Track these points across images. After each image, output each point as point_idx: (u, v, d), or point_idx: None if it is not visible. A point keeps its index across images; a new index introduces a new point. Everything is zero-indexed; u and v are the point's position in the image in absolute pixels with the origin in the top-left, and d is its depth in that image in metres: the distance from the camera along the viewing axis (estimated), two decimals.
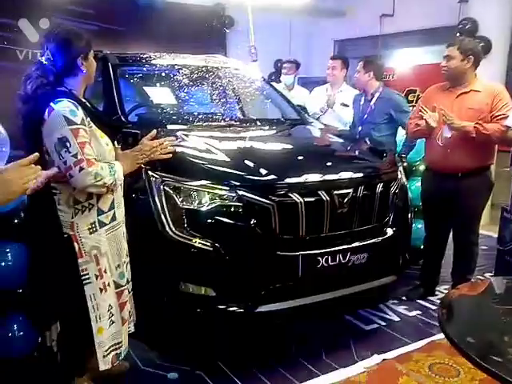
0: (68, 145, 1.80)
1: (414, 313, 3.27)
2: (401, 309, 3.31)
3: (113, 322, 2.05)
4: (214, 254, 2.30)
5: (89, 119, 1.91)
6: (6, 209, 2.17)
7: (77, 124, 1.83)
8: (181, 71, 3.49)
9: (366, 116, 3.84)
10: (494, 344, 1.50)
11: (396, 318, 3.17)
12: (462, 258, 3.38)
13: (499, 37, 5.58)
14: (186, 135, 2.90)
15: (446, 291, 3.56)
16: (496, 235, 4.08)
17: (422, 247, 3.58)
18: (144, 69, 3.50)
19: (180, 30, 6.43)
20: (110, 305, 2.02)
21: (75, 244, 1.92)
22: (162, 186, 2.38)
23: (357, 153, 3.10)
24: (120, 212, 2.07)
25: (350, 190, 2.54)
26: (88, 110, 1.95)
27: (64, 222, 1.93)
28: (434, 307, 3.35)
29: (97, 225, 1.96)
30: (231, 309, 2.33)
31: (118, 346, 2.08)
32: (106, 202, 1.99)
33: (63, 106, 1.83)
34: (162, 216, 2.33)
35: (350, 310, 3.10)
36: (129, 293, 2.17)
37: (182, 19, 6.55)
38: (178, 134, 2.91)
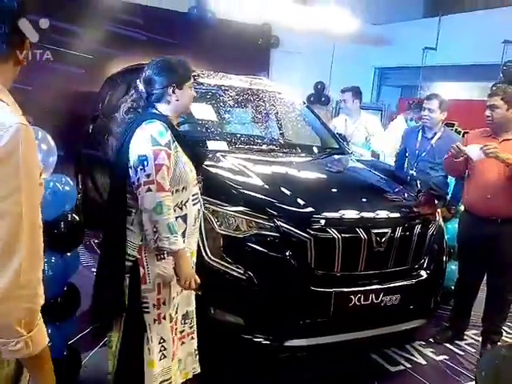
0: (145, 163, 1.81)
1: (440, 357, 3.18)
2: (428, 351, 3.22)
3: (164, 357, 1.97)
4: (246, 283, 2.30)
5: (176, 144, 1.91)
6: (49, 218, 2.20)
7: (160, 145, 1.83)
8: (226, 92, 3.54)
9: (424, 154, 3.77)
10: None
11: (423, 361, 3.09)
12: (494, 305, 3.28)
13: None
14: (227, 157, 2.94)
15: (475, 336, 3.47)
16: None
17: (453, 288, 3.51)
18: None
19: (228, 46, 6.57)
20: (162, 338, 1.95)
21: (141, 268, 1.89)
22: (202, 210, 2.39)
23: (398, 191, 3.05)
24: (191, 243, 2.03)
25: (389, 230, 2.51)
26: (178, 135, 1.96)
27: (131, 243, 1.90)
28: (461, 352, 3.26)
29: (165, 252, 1.89)
30: (257, 340, 2.32)
31: (167, 383, 2.00)
32: (178, 229, 1.90)
33: (153, 127, 1.87)
34: (200, 240, 2.34)
35: (376, 349, 3.04)
36: (190, 328, 2.12)
37: (230, 36, 6.69)
38: (218, 154, 2.95)
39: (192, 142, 2.38)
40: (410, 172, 3.71)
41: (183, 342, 2.12)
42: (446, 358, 3.17)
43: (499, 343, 3.27)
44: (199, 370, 2.20)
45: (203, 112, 3.59)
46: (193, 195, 2.00)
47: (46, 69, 5.96)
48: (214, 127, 3.50)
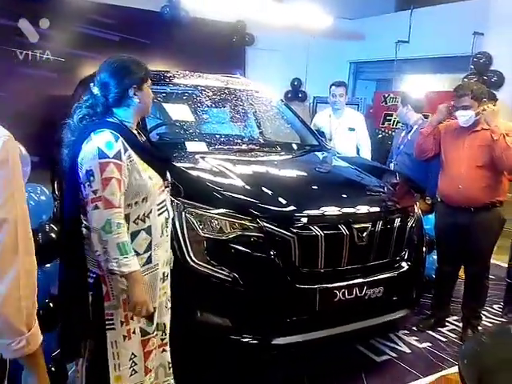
0: (92, 178, 1.70)
1: (424, 344, 3.26)
2: (412, 340, 3.31)
3: (135, 372, 1.90)
4: (231, 284, 2.31)
5: (131, 153, 1.79)
6: None
7: (108, 158, 1.71)
8: (203, 92, 3.53)
9: (401, 147, 3.89)
10: None
11: (407, 350, 3.17)
12: (473, 291, 3.39)
13: (511, 70, 5.64)
14: (206, 158, 2.94)
15: (456, 322, 3.57)
16: (503, 264, 4.09)
17: (434, 277, 3.60)
18: (167, 88, 3.53)
19: (202, 45, 6.53)
20: (132, 353, 1.88)
21: (103, 286, 1.80)
22: (183, 213, 2.39)
23: (378, 185, 3.10)
24: (159, 254, 1.91)
25: (370, 224, 2.56)
26: (134, 141, 1.85)
27: (91, 259, 1.81)
28: (444, 339, 3.36)
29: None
30: (245, 340, 2.33)
31: None
32: (141, 243, 1.83)
33: (101, 137, 1.75)
34: (182, 243, 2.35)
35: (362, 341, 3.10)
36: (161, 340, 2.05)
37: (205, 35, 6.66)
38: (197, 156, 2.95)
39: (154, 145, 2.34)
40: (390, 166, 3.78)
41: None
42: (430, 345, 3.26)
43: (479, 327, 3.37)
44: (173, 383, 2.15)
45: (180, 113, 3.58)
46: (158, 204, 1.88)
47: (17, 73, 5.86)
48: (193, 128, 3.50)
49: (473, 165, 3.09)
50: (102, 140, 1.75)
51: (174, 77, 3.64)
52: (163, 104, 3.55)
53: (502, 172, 3.13)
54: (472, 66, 5.71)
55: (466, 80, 3.47)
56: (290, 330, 2.38)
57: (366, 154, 4.45)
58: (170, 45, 6.37)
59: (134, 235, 1.81)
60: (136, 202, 1.81)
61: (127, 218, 1.78)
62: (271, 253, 2.35)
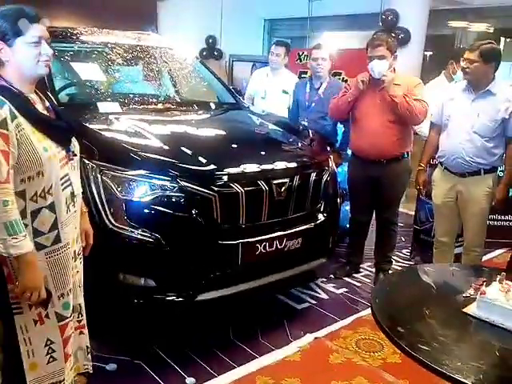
0: None
1: (341, 290, 3.50)
2: (329, 287, 3.53)
3: (53, 359, 1.80)
4: (153, 245, 2.30)
5: (20, 121, 1.59)
6: None
7: None
8: (113, 50, 3.36)
9: (313, 104, 3.88)
10: (422, 333, 1.67)
11: (325, 296, 3.38)
12: (384, 237, 3.65)
13: (416, 27, 5.92)
14: (120, 119, 2.84)
15: (369, 268, 3.85)
16: (410, 212, 4.45)
17: (347, 227, 3.82)
18: (74, 46, 3.31)
19: (110, 0, 6.12)
20: (48, 339, 1.76)
21: (4, 268, 1.64)
22: (99, 176, 2.32)
23: (294, 142, 3.18)
24: (68, 231, 1.77)
25: (287, 179, 2.64)
26: (26, 107, 1.64)
27: None
28: (359, 284, 3.62)
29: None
30: (170, 298, 2.36)
31: None
32: (44, 221, 1.68)
33: None
34: (100, 207, 2.29)
35: (284, 290, 3.25)
36: (78, 322, 1.97)
37: None
38: (111, 117, 2.84)
39: (64, 107, 2.15)
40: (303, 123, 3.86)
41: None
42: (346, 290, 3.50)
43: (390, 271, 3.67)
44: (91, 370, 2.09)
45: (90, 72, 3.39)
46: (61, 178, 1.71)
47: None
48: (104, 88, 3.33)
49: (385, 119, 3.25)
50: None
51: (82, 34, 3.41)
52: (71, 63, 3.32)
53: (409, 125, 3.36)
54: (380, 24, 5.91)
55: (379, 33, 3.61)
56: (214, 286, 2.44)
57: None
58: (76, 0, 5.92)
59: (34, 214, 1.66)
60: (29, 177, 1.62)
61: (23, 195, 1.62)
62: (193, 212, 2.36)
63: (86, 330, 2.05)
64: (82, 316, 2.01)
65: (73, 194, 1.79)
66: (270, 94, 4.43)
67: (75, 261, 1.88)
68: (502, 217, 4.44)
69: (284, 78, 4.50)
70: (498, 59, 2.92)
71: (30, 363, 1.76)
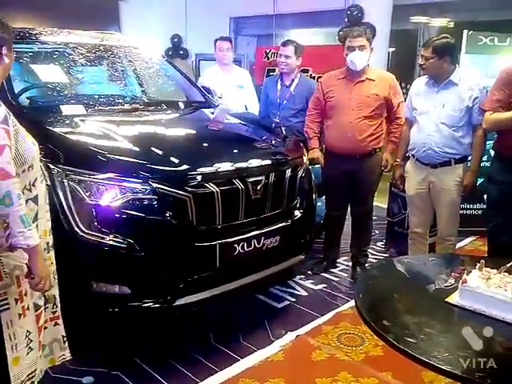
0: None
1: (319, 286, 3.48)
2: (308, 283, 3.50)
3: (31, 350, 1.80)
4: (126, 251, 2.21)
5: (13, 117, 1.63)
6: None
7: None
8: (75, 50, 3.23)
9: (284, 101, 3.86)
10: (408, 325, 1.65)
11: (304, 293, 3.36)
12: (359, 231, 3.66)
13: (381, 23, 6.00)
14: (86, 121, 2.73)
15: (345, 262, 3.84)
16: (383, 205, 4.48)
17: (322, 222, 3.80)
18: (33, 47, 3.16)
19: (71, 0, 5.94)
20: (27, 331, 1.78)
21: None
22: (65, 181, 2.21)
23: (267, 139, 3.13)
24: (42, 223, 1.81)
25: (263, 177, 2.59)
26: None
27: None
28: (336, 279, 3.61)
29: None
30: (146, 305, 2.28)
31: (33, 375, 1.84)
32: (29, 213, 1.68)
33: None
34: (68, 213, 2.18)
35: (262, 290, 3.21)
36: (53, 313, 1.96)
37: None
38: (76, 119, 2.73)
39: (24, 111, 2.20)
40: (275, 120, 3.82)
41: (45, 327, 1.95)
42: (324, 286, 3.48)
43: (366, 265, 3.68)
44: (69, 357, 2.07)
45: (52, 74, 3.26)
46: (40, 170, 1.80)
47: None
48: (67, 90, 3.21)
49: (361, 115, 3.25)
50: None
51: (41, 34, 3.27)
52: (31, 65, 3.18)
53: (383, 120, 3.38)
54: (346, 19, 5.95)
55: (345, 29, 3.62)
56: (192, 289, 2.37)
57: (254, 111, 4.45)
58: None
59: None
60: (23, 171, 1.67)
61: None
62: (166, 214, 2.28)
63: (60, 321, 2.03)
64: (56, 307, 2.00)
65: (48, 186, 1.89)
66: (227, 92, 4.32)
67: (48, 252, 1.88)
68: (471, 205, 4.53)
69: (236, 73, 4.48)
70: (453, 52, 2.98)
71: (13, 358, 1.75)
